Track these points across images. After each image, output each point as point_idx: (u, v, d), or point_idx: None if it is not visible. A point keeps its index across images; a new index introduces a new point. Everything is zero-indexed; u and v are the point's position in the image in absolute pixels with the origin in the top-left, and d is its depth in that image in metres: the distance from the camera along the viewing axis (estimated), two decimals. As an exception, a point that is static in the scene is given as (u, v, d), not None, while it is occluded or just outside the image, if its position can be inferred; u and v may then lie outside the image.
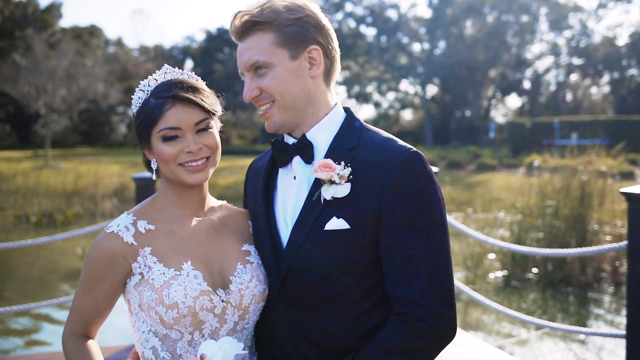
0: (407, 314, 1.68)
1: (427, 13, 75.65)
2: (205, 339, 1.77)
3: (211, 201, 2.00)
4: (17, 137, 57.27)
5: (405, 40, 55.96)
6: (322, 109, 1.86)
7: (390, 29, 54.47)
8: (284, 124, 1.83)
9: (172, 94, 1.76)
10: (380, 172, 1.72)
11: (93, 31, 60.40)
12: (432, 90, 57.91)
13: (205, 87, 1.86)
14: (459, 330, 5.43)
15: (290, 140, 1.88)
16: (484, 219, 13.17)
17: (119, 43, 65.12)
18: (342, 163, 1.75)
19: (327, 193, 1.73)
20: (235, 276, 1.83)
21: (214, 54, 59.82)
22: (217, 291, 1.79)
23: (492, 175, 25.81)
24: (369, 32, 57.68)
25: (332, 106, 1.89)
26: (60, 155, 37.74)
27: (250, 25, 1.77)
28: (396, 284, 1.70)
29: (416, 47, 56.99)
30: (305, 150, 1.82)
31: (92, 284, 1.78)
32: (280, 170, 1.91)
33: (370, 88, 59.53)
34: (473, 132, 49.34)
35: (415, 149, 1.76)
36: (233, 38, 1.84)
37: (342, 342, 1.77)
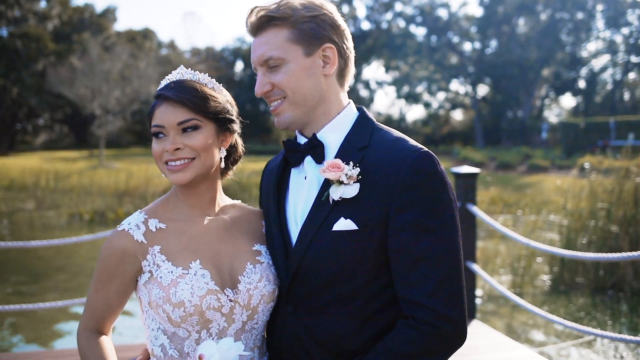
0: (414, 317, 1.64)
1: (478, 11, 74.70)
2: (213, 338, 1.76)
3: (224, 200, 1.99)
4: (74, 138, 59.21)
5: (455, 39, 55.30)
6: (334, 108, 1.83)
7: (441, 28, 53.88)
8: (294, 121, 1.81)
9: (160, 92, 1.79)
10: (389, 172, 1.68)
11: (146, 34, 61.87)
12: (483, 90, 57.04)
13: (212, 91, 1.83)
14: (501, 335, 5.31)
15: (302, 140, 1.86)
16: (533, 222, 12.86)
17: (171, 45, 66.55)
18: (351, 163, 1.72)
19: (335, 193, 1.70)
20: (244, 276, 1.82)
21: (263, 55, 60.32)
22: (225, 290, 1.78)
23: (544, 176, 25.22)
24: (419, 31, 57.39)
25: (345, 105, 1.87)
26: (114, 155, 38.78)
27: (266, 21, 1.76)
28: (404, 286, 1.66)
29: (467, 46, 56.27)
30: (316, 150, 1.80)
31: (104, 280, 1.80)
32: (293, 170, 1.90)
33: (420, 88, 59.08)
34: (525, 132, 48.37)
35: (426, 149, 1.72)
36: (249, 33, 1.83)
37: (350, 345, 1.74)
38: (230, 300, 1.78)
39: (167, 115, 1.77)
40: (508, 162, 30.88)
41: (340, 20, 1.83)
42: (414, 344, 1.62)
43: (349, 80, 1.89)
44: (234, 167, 2.02)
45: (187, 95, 1.76)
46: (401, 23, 56.66)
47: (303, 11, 1.75)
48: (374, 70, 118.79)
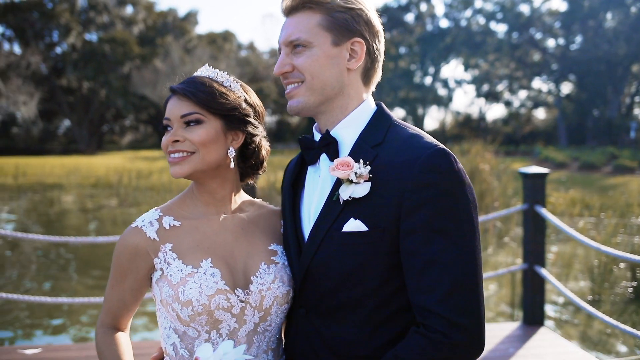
0: (425, 325, 1.54)
1: (562, 6, 72.01)
2: (224, 339, 1.73)
3: (242, 198, 1.96)
4: (157, 138, 61.38)
5: (538, 35, 53.50)
6: (352, 104, 1.77)
7: (522, 25, 52.26)
8: (306, 107, 1.75)
9: (172, 87, 1.80)
10: (402, 170, 1.59)
11: (226, 36, 63.35)
12: (567, 87, 54.90)
13: (223, 88, 1.81)
14: (569, 343, 5.05)
15: (318, 137, 1.80)
16: (615, 225, 12.23)
17: (250, 47, 67.90)
18: (361, 161, 1.64)
19: (345, 193, 1.63)
20: (257, 276, 1.78)
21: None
22: (236, 291, 1.74)
23: (630, 178, 23.97)
24: (499, 28, 55.87)
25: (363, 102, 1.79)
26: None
27: (302, 3, 1.73)
28: (416, 291, 1.57)
29: (550, 42, 54.32)
30: (329, 147, 1.73)
31: (118, 277, 1.80)
32: (309, 169, 1.84)
33: (500, 86, 57.56)
34: (612, 131, 46.16)
35: (441, 146, 1.61)
36: (282, 13, 1.80)
37: (360, 351, 1.66)
38: (241, 301, 1.74)
39: (173, 108, 1.78)
40: (592, 163, 29.57)
41: (376, 21, 1.78)
42: (424, 354, 1.52)
43: (374, 81, 1.83)
44: (259, 172, 1.97)
45: (193, 90, 1.76)
46: (481, 20, 55.37)
47: (341, 1, 1.72)
48: (453, 69, 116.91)
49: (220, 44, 59.99)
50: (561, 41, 52.96)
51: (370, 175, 1.63)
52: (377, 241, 1.60)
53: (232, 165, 1.82)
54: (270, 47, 72.43)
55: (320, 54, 1.71)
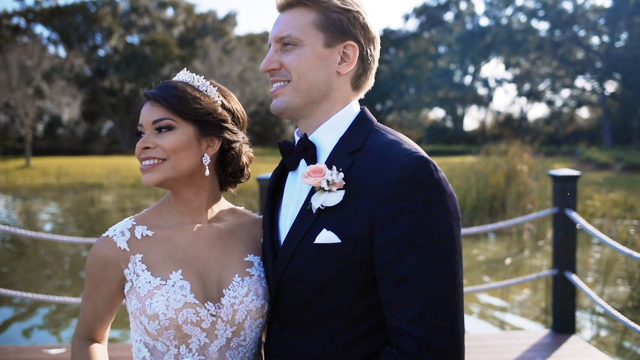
0: (397, 345, 1.43)
1: (606, 2, 70.15)
2: (194, 354, 1.66)
3: (221, 206, 1.88)
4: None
5: (581, 33, 52.28)
6: (337, 109, 1.68)
7: (565, 22, 51.13)
8: (289, 108, 1.67)
9: (144, 92, 1.75)
10: (377, 178, 1.48)
11: (265, 37, 63.73)
12: (611, 86, 53.44)
13: (197, 93, 1.74)
14: (600, 353, 4.83)
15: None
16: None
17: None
18: (334, 168, 1.54)
19: (317, 201, 1.53)
20: (229, 289, 1.70)
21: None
22: (206, 304, 1.67)
23: (677, 179, 23.15)
24: (541, 26, 54.68)
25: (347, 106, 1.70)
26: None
27: (297, 1, 1.66)
28: (389, 309, 1.46)
29: (594, 40, 53.02)
30: (307, 152, 1.64)
31: (91, 288, 1.75)
32: (289, 175, 1.74)
33: (542, 85, 56.47)
34: (659, 131, 44.76)
35: (421, 153, 1.50)
36: (277, 8, 1.73)
37: None
38: (212, 315, 1.66)
39: (145, 114, 1.72)
40: (637, 164, 28.71)
41: (373, 27, 1.70)
42: None
43: (365, 88, 1.75)
44: (240, 180, 1.89)
45: (166, 95, 1.69)
46: (522, 18, 54.39)
47: (338, 1, 1.64)
48: (493, 68, 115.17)
49: (258, 45, 60.36)
50: (605, 38, 51.61)
51: (344, 183, 1.53)
52: (351, 254, 1.50)
53: (207, 172, 1.75)
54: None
55: (310, 53, 1.63)
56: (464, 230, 5.38)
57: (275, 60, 1.67)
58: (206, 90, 1.77)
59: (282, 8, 1.70)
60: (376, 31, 1.71)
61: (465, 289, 5.44)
